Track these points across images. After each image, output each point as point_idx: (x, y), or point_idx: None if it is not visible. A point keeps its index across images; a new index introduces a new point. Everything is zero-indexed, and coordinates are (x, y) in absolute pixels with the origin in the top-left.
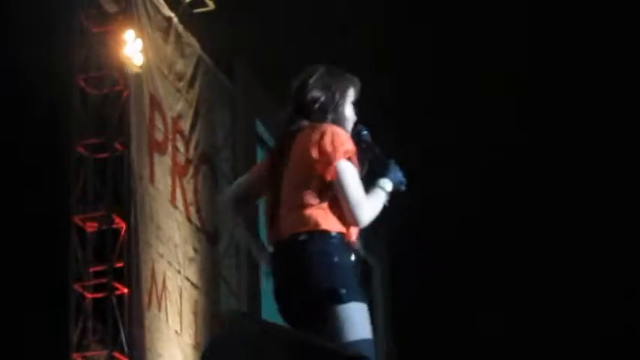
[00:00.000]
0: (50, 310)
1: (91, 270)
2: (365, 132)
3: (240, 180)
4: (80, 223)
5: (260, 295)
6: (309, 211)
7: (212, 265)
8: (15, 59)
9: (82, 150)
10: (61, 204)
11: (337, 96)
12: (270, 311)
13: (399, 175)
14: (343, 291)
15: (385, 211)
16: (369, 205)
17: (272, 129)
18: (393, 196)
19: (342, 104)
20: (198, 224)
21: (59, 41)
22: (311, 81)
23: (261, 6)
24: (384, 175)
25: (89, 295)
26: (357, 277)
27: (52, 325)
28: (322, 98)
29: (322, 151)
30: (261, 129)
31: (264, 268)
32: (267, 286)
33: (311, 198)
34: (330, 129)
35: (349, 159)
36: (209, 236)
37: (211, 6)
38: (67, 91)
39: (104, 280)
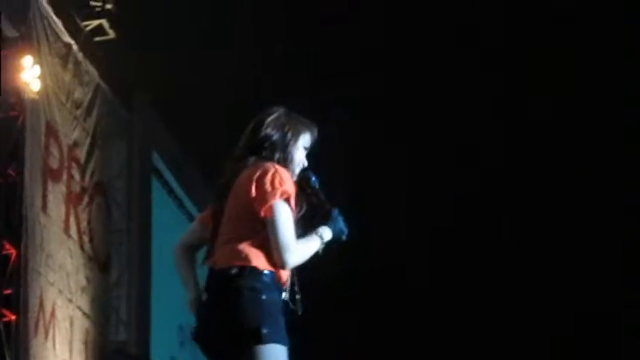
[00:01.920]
0: None
1: None
2: (313, 177)
3: (189, 228)
4: None
5: (149, 326)
6: (242, 246)
7: (103, 295)
8: None
9: None
10: None
11: (289, 136)
12: (159, 342)
13: (340, 224)
14: (265, 331)
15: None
16: (298, 250)
17: (168, 160)
18: (334, 245)
19: (293, 145)
20: (91, 253)
21: None
22: (267, 120)
23: (162, 38)
24: (324, 223)
25: None
26: (284, 318)
27: None
28: (274, 137)
29: (260, 189)
30: (157, 160)
31: (156, 300)
32: (157, 317)
33: (246, 233)
34: (273, 168)
35: (286, 200)
36: (101, 266)
37: (112, 35)
38: None
39: None
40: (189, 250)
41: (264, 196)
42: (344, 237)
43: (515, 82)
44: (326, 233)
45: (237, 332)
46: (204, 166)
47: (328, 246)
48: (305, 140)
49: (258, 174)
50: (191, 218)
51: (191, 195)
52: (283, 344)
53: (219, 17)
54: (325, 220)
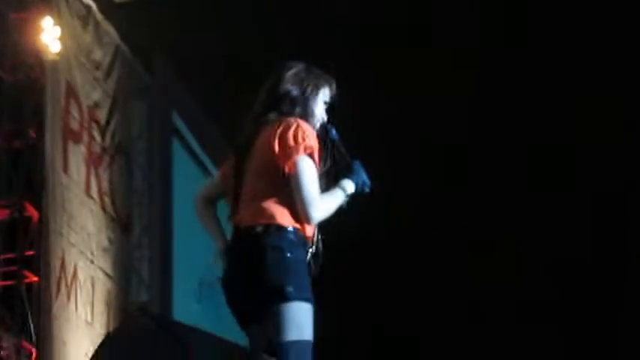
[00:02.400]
0: None
1: (1, 257)
2: (334, 131)
3: (208, 180)
4: None
5: (171, 286)
6: (266, 204)
7: (125, 256)
8: None
9: None
10: None
11: (309, 91)
12: (181, 301)
13: (363, 176)
14: (290, 289)
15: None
16: (322, 204)
17: (188, 121)
18: (357, 199)
19: (313, 100)
20: (113, 214)
21: None
22: (287, 75)
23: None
24: (347, 176)
25: None
26: (310, 275)
27: None
28: (294, 92)
29: (283, 145)
30: (177, 121)
31: (177, 260)
32: (178, 276)
33: (269, 190)
34: (296, 123)
35: (310, 155)
36: (123, 227)
37: None
38: None
39: (14, 269)
40: (210, 202)
41: (287, 152)
42: (367, 189)
43: None
44: (349, 186)
45: (261, 290)
46: (225, 127)
47: (352, 199)
48: (325, 94)
49: (280, 129)
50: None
51: (212, 155)
52: (309, 302)
53: None
54: (347, 173)
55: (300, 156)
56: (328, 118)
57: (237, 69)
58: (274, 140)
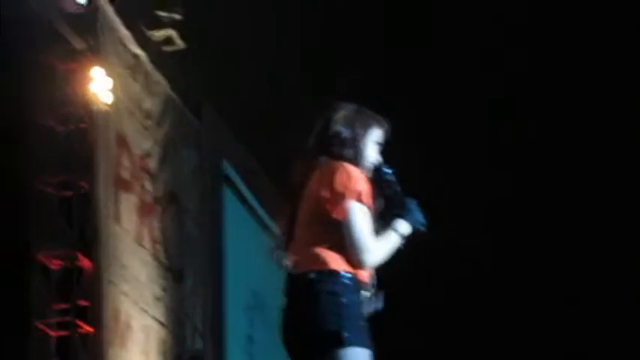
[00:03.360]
0: (12, 348)
1: (55, 308)
2: (388, 171)
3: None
4: (44, 261)
5: (224, 334)
6: (319, 250)
7: (179, 304)
8: None
9: (46, 187)
10: (26, 241)
11: (359, 132)
12: (234, 350)
13: (417, 216)
14: (346, 334)
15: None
16: (376, 249)
17: (238, 169)
18: (412, 238)
19: (364, 142)
20: (165, 263)
21: (25, 78)
22: (336, 116)
23: (231, 46)
24: (401, 216)
25: (52, 334)
26: (365, 319)
27: None
28: (343, 134)
29: (333, 190)
30: (227, 169)
31: (230, 307)
32: (232, 325)
33: (322, 236)
34: (344, 168)
35: (360, 200)
36: (175, 275)
37: (181, 45)
38: (33, 128)
39: (67, 319)
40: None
41: (336, 198)
42: (422, 228)
43: None
44: (403, 227)
45: (317, 337)
46: (275, 173)
47: (407, 239)
48: (376, 135)
49: (330, 173)
50: (263, 225)
51: (263, 202)
52: (365, 347)
53: (285, 24)
54: (401, 213)
55: (350, 201)
56: (381, 159)
57: (287, 117)
58: (323, 186)
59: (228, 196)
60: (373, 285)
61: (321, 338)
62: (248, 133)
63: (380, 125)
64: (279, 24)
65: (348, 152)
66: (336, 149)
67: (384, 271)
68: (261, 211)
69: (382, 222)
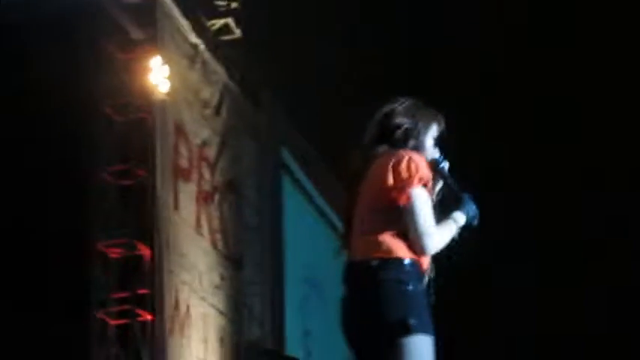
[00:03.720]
0: (73, 336)
1: (115, 296)
2: (444, 164)
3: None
4: (104, 250)
5: (283, 323)
6: (381, 237)
7: (238, 293)
8: (41, 85)
9: (106, 176)
10: (85, 230)
11: (420, 125)
12: (293, 338)
13: (472, 209)
14: (413, 322)
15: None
16: (437, 235)
17: (297, 157)
18: (466, 231)
19: (424, 134)
20: (224, 251)
21: (85, 68)
22: (399, 108)
23: (288, 34)
24: (457, 208)
25: (112, 322)
26: (429, 306)
27: (76, 351)
28: (406, 125)
29: (397, 177)
30: (286, 157)
31: (289, 296)
32: (291, 313)
33: (384, 224)
34: (408, 155)
35: (424, 186)
36: (234, 263)
37: (238, 34)
38: (92, 118)
39: (127, 307)
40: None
41: (401, 184)
42: (476, 222)
43: None
44: (460, 218)
45: (383, 325)
46: (334, 162)
47: (462, 231)
48: (433, 130)
49: (393, 162)
50: (322, 214)
51: (321, 191)
52: (430, 334)
53: (344, 13)
54: (458, 205)
55: (414, 188)
56: (438, 153)
57: (345, 105)
58: (387, 173)
59: (287, 184)
60: (431, 275)
61: (386, 326)
62: (307, 122)
63: (438, 121)
64: (339, 14)
65: (411, 143)
66: (399, 139)
67: None
68: (319, 199)
69: (439, 214)
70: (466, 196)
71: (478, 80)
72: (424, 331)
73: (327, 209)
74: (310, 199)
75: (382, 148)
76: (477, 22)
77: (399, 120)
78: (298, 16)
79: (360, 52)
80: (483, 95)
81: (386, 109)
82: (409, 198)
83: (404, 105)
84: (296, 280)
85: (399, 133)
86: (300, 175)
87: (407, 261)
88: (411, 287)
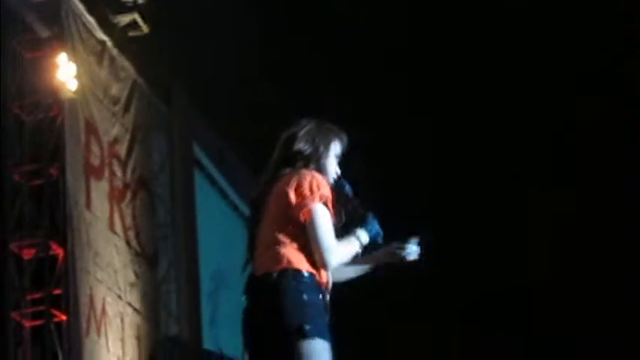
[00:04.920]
0: None
1: (29, 297)
2: (347, 185)
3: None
4: (17, 251)
5: (200, 318)
6: (282, 250)
7: (153, 290)
8: None
9: (17, 177)
10: None
11: (321, 149)
12: (209, 333)
13: (376, 227)
14: (308, 327)
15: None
16: (338, 250)
17: (209, 152)
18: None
19: (325, 157)
20: (138, 249)
21: None
22: (300, 134)
23: (196, 29)
24: (360, 227)
25: (27, 324)
26: (326, 318)
27: None
28: (306, 151)
29: (299, 194)
30: (198, 152)
31: (204, 291)
32: (206, 309)
33: (285, 238)
34: (310, 174)
35: (325, 204)
36: (149, 261)
37: (145, 29)
38: (1, 118)
39: (42, 308)
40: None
41: (303, 201)
42: (380, 240)
43: None
44: (363, 236)
45: (281, 331)
46: (246, 156)
47: (364, 249)
48: (335, 149)
49: (295, 180)
50: (235, 208)
51: (234, 185)
52: (326, 340)
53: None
54: (361, 224)
55: (315, 204)
56: (340, 172)
57: (255, 99)
58: (290, 191)
59: (199, 179)
60: (329, 292)
61: (285, 332)
62: (218, 117)
63: (339, 139)
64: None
65: (312, 167)
66: (299, 164)
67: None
68: (232, 194)
69: (340, 234)
70: (370, 216)
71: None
72: (320, 336)
73: (241, 204)
74: (223, 194)
75: (287, 170)
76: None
77: (299, 146)
78: (207, 9)
79: (274, 44)
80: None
81: (288, 132)
82: (310, 214)
83: (305, 129)
84: (209, 275)
85: (299, 158)
86: (212, 170)
87: (305, 273)
88: (306, 297)
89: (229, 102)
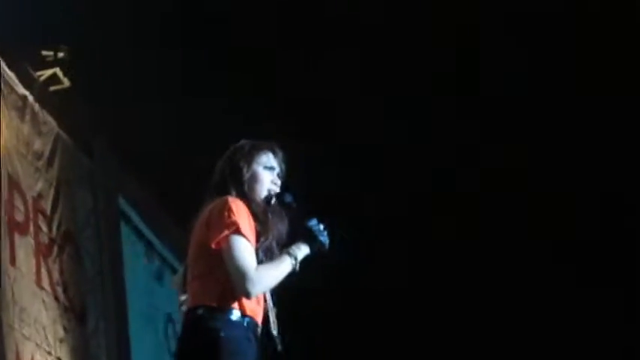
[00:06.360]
0: None
1: None
2: (289, 198)
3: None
4: None
5: None
6: (203, 284)
7: (83, 345)
8: None
9: None
10: None
11: (243, 167)
12: None
13: (318, 236)
14: None
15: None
16: (259, 276)
17: (135, 205)
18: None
19: (248, 174)
20: (67, 304)
21: None
22: (219, 161)
23: (119, 81)
24: (300, 240)
25: None
26: (251, 353)
27: None
28: (226, 173)
29: (211, 225)
30: (124, 205)
31: (135, 345)
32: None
33: (205, 270)
34: (224, 202)
35: (238, 232)
36: (77, 315)
37: (66, 83)
38: None
39: None
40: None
41: (215, 230)
42: (324, 248)
43: None
44: (300, 250)
45: None
46: (172, 208)
47: (306, 261)
48: (267, 161)
49: (209, 210)
50: (163, 260)
51: (161, 237)
52: None
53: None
54: (302, 236)
55: (227, 233)
56: (282, 183)
57: (181, 150)
58: (206, 220)
59: (125, 232)
60: (271, 322)
61: None
62: (143, 169)
63: (268, 150)
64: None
65: (235, 190)
66: (223, 190)
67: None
68: (160, 247)
69: (281, 249)
70: (311, 224)
71: None
72: None
73: (167, 254)
74: (150, 245)
75: (210, 199)
76: None
77: (219, 171)
78: (129, 62)
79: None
80: None
81: (217, 163)
82: (223, 243)
83: (226, 155)
84: (142, 326)
85: (221, 184)
86: (139, 223)
87: (226, 308)
88: (223, 334)
89: (153, 154)
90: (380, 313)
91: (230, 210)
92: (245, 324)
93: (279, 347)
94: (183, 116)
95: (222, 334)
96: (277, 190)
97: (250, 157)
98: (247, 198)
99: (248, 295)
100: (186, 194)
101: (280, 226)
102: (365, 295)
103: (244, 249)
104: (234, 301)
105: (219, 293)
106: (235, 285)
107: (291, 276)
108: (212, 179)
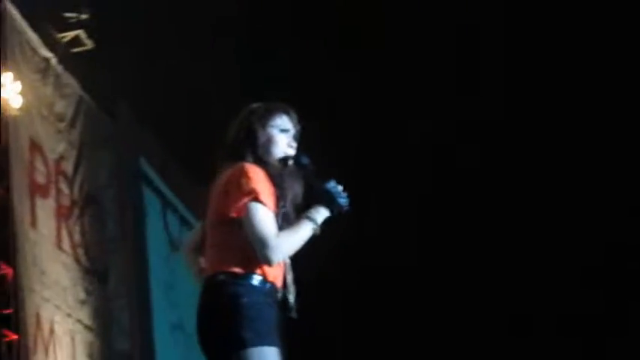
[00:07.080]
0: None
1: None
2: (304, 158)
3: (193, 230)
4: None
5: (152, 332)
6: (224, 252)
7: (104, 306)
8: None
9: None
10: None
11: (258, 130)
12: (164, 349)
13: (336, 199)
14: (247, 335)
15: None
16: (280, 243)
17: (156, 166)
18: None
19: (264, 138)
20: (88, 265)
21: None
22: (233, 123)
23: (140, 44)
24: (319, 203)
25: None
26: (272, 320)
27: None
28: (241, 137)
29: (230, 192)
30: (145, 167)
31: (156, 306)
32: (159, 324)
33: (225, 237)
34: (241, 169)
35: (257, 199)
36: (99, 277)
37: (89, 45)
38: None
39: None
40: (195, 250)
41: (234, 198)
42: (344, 209)
43: None
44: (319, 214)
45: (222, 340)
46: (193, 169)
47: (326, 224)
48: (282, 124)
49: (227, 177)
50: (183, 221)
51: (182, 198)
52: (270, 345)
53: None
54: (320, 200)
55: (246, 200)
56: (298, 146)
57: (202, 111)
58: (223, 188)
59: (147, 193)
60: (287, 287)
61: (225, 341)
62: (165, 130)
63: (283, 112)
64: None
65: (251, 154)
66: (237, 154)
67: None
68: (181, 208)
69: (297, 214)
70: (330, 186)
71: None
72: (261, 343)
73: (189, 216)
74: (171, 206)
75: (226, 164)
76: None
77: (234, 134)
78: (151, 22)
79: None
80: None
81: (232, 124)
82: (242, 210)
83: (239, 117)
84: (161, 287)
85: (238, 147)
86: (159, 184)
87: (248, 274)
88: (245, 300)
89: (175, 116)
90: (393, 290)
91: (248, 177)
92: (266, 289)
93: (294, 314)
94: (204, 79)
95: (244, 299)
96: (293, 152)
97: (265, 119)
98: (263, 162)
99: (270, 263)
100: (206, 156)
101: (297, 188)
102: (378, 273)
103: (264, 216)
104: (255, 267)
105: (239, 260)
106: (257, 252)
107: (311, 240)
108: (226, 142)
